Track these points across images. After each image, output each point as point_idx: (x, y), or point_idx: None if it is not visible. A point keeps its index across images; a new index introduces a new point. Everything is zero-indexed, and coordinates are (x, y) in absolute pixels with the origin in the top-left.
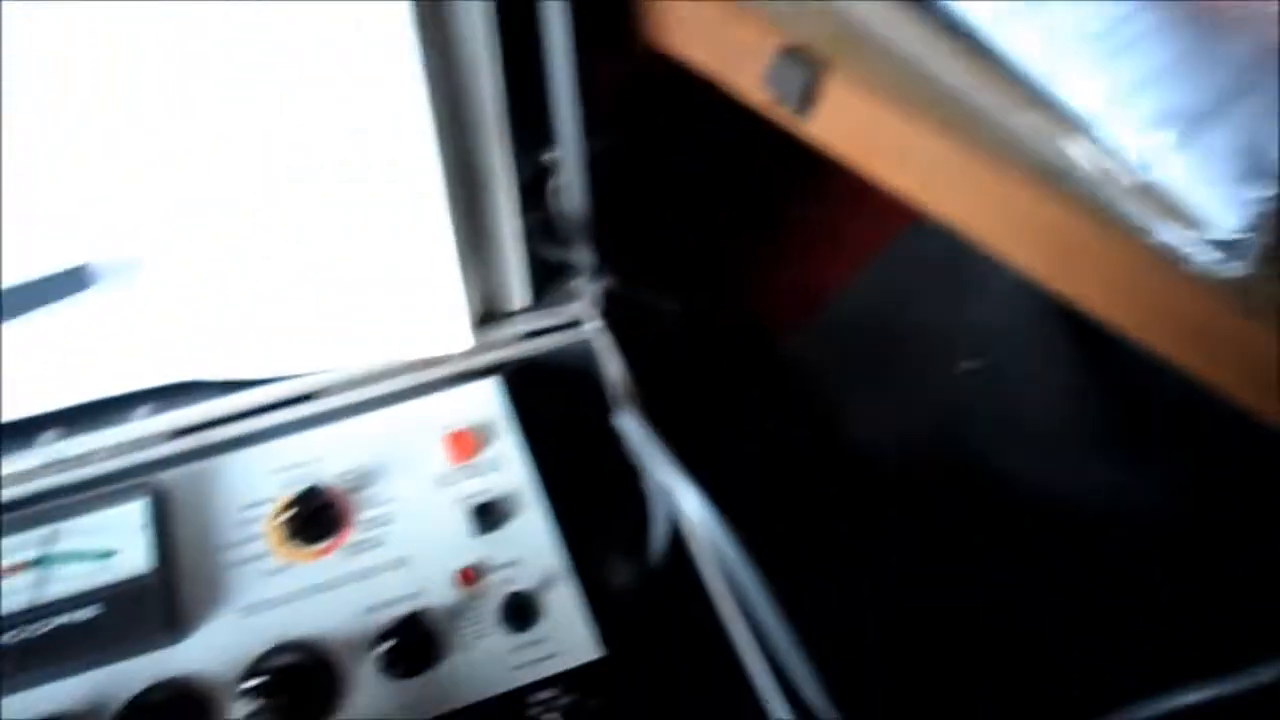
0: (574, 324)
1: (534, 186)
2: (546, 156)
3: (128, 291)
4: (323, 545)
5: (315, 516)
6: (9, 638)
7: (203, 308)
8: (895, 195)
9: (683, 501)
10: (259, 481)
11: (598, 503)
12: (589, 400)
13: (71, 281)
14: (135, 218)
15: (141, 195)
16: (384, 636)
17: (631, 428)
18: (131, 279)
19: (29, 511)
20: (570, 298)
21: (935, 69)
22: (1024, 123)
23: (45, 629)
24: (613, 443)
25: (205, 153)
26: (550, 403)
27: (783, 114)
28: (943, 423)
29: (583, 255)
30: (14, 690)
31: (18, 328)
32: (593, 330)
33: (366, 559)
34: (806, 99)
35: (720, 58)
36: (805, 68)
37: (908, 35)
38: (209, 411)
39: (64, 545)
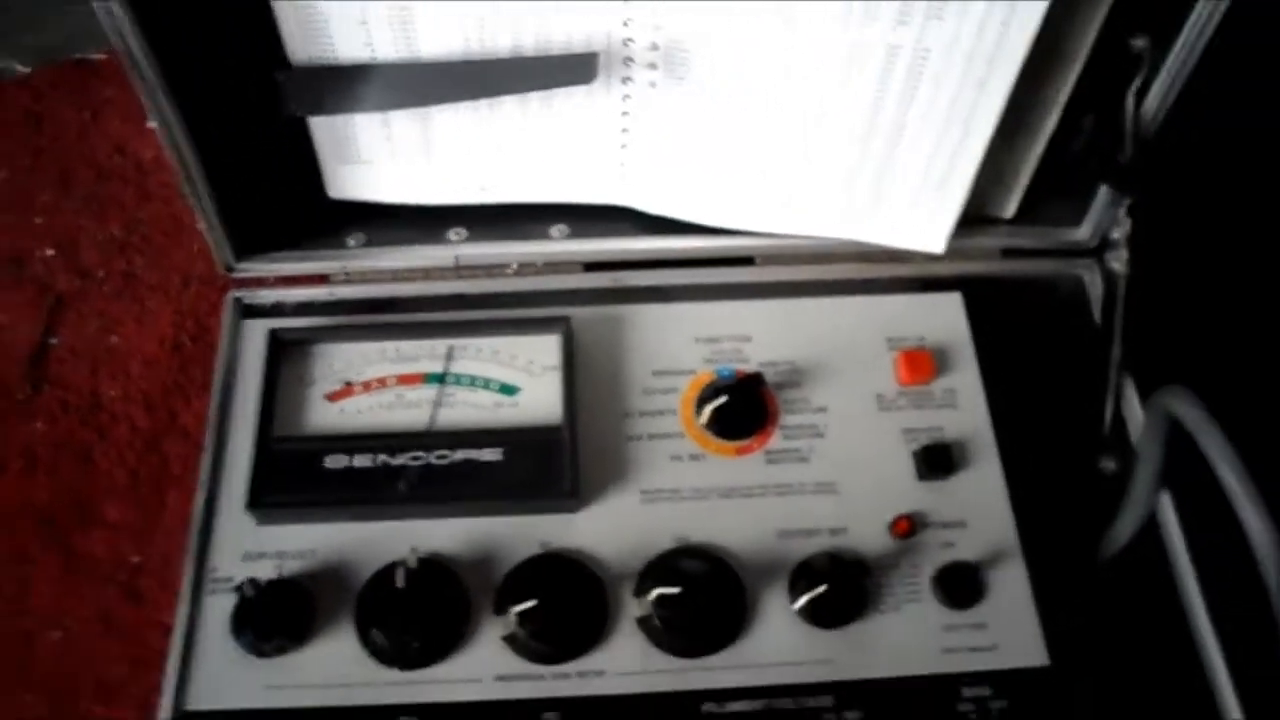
0: (1069, 252)
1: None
2: (1137, 42)
3: (614, 97)
4: (742, 442)
5: (747, 409)
6: (408, 458)
7: (687, 137)
8: None
9: (1249, 517)
10: (678, 347)
11: (1047, 473)
12: (1055, 347)
13: (578, 69)
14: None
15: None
16: (809, 574)
17: (1188, 409)
18: (627, 87)
19: (433, 318)
20: (1070, 219)
21: None
22: None
23: (446, 460)
24: (1074, 403)
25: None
26: (1009, 339)
27: None
28: None
29: (1124, 172)
30: (401, 516)
31: (487, 109)
32: (1098, 265)
33: (789, 473)
34: None
35: None
36: None
37: None
38: (635, 249)
39: (467, 366)
